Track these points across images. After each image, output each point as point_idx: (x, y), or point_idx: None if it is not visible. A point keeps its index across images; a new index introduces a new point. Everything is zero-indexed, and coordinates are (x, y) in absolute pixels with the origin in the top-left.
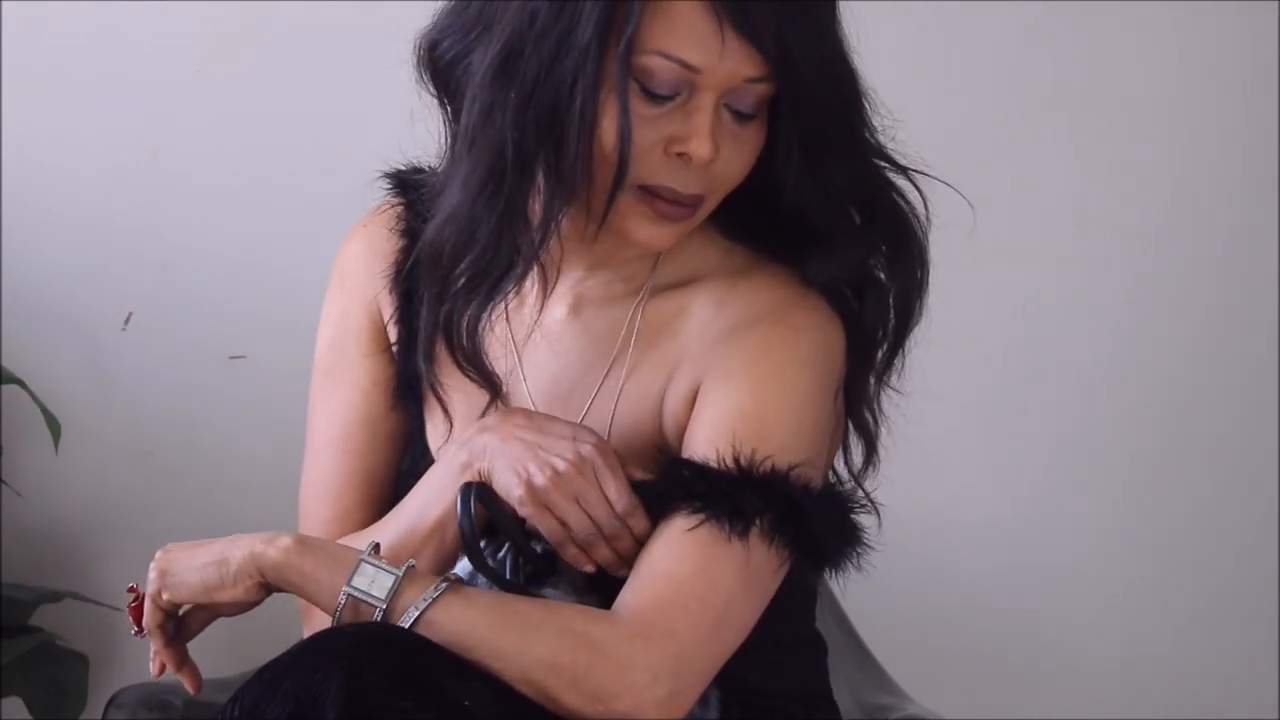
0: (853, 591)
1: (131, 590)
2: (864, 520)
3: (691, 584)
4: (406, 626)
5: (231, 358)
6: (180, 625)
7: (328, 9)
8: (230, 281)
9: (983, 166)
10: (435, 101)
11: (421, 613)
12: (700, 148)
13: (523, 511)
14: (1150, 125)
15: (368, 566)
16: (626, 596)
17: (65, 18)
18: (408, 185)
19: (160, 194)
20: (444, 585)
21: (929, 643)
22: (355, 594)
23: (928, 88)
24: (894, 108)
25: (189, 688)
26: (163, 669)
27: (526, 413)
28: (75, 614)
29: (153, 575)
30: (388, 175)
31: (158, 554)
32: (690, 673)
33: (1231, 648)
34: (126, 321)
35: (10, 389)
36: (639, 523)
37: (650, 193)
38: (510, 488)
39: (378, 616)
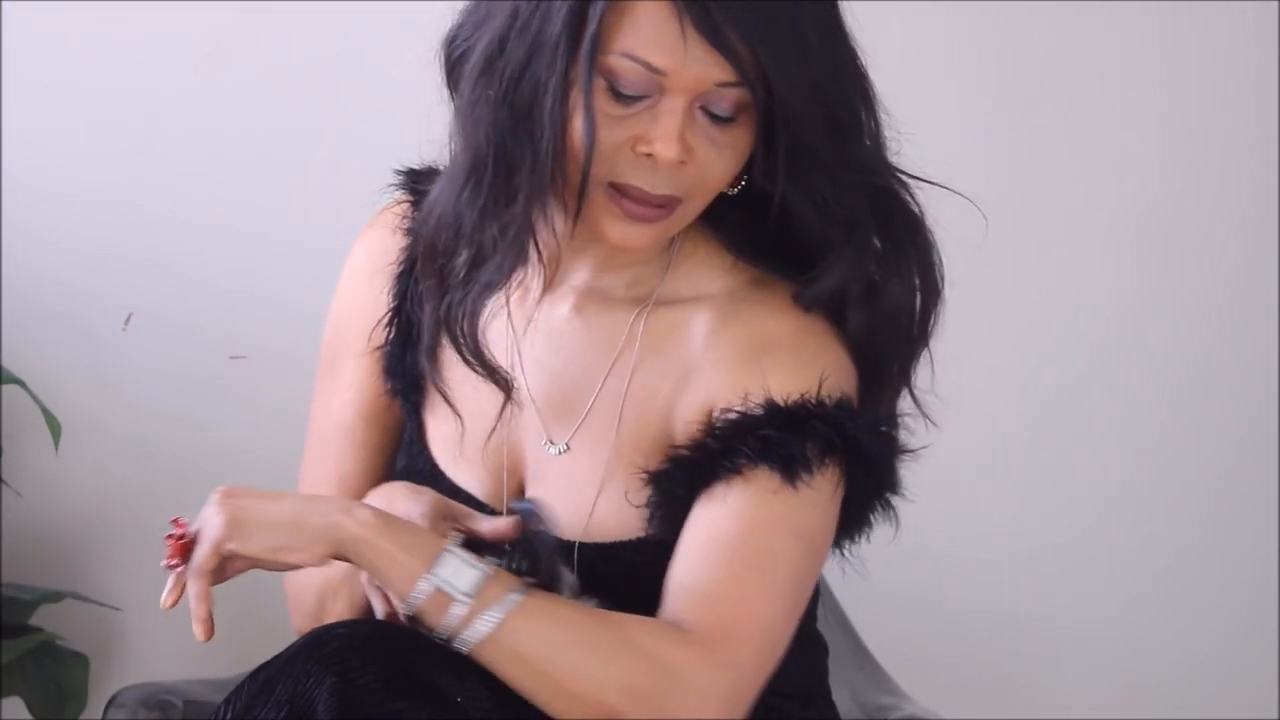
0: (853, 592)
1: (176, 523)
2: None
3: (751, 606)
4: (486, 631)
5: (231, 358)
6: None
7: (329, 9)
8: (230, 281)
9: (981, 175)
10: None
11: (505, 616)
12: (666, 149)
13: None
14: (1151, 132)
15: (450, 557)
16: (688, 615)
17: (66, 17)
18: (418, 185)
19: (160, 194)
20: (525, 590)
21: (929, 643)
22: (441, 585)
23: (925, 92)
24: (891, 112)
25: (201, 633)
26: (175, 601)
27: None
28: (75, 614)
29: (220, 521)
30: (400, 173)
31: (223, 500)
32: (743, 701)
33: (1231, 648)
34: (127, 322)
35: (10, 389)
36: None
37: (619, 191)
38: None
39: (460, 612)
